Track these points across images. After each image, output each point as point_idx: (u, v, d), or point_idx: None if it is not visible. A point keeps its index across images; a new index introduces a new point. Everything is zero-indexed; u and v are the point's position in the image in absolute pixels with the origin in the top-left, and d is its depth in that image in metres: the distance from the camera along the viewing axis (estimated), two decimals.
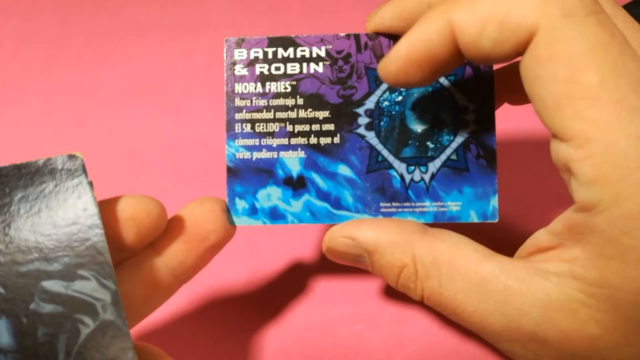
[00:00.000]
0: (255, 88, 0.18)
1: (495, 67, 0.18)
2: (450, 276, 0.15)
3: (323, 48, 0.18)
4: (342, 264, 0.17)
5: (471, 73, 0.17)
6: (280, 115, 0.18)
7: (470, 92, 0.17)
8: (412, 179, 0.17)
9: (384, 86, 0.18)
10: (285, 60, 0.18)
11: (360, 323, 0.21)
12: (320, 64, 0.18)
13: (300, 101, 0.18)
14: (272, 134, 0.18)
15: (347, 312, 0.21)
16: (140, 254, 0.16)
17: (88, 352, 0.14)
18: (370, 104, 0.18)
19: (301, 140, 0.18)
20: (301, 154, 0.18)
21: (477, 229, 0.17)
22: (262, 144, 0.18)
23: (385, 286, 0.22)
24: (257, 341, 0.21)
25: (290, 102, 0.18)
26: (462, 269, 0.15)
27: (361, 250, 0.16)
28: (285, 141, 0.18)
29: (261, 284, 0.22)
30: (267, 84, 0.18)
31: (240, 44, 0.18)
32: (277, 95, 0.18)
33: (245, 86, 0.18)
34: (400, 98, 0.18)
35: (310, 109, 0.18)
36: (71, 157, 0.14)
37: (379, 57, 0.17)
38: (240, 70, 0.18)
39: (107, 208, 0.15)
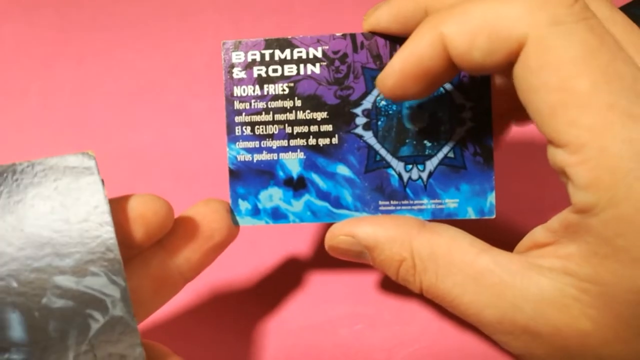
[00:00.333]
0: (253, 91, 0.18)
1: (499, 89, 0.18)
2: (447, 269, 0.15)
3: (319, 49, 0.18)
4: (344, 261, 0.18)
5: None
6: (279, 117, 0.18)
7: (467, 90, 0.17)
8: (410, 178, 0.18)
9: None
10: (283, 62, 0.18)
11: (360, 323, 0.21)
12: (317, 64, 0.18)
13: (298, 103, 0.18)
14: (271, 136, 0.18)
15: (347, 312, 0.21)
16: (148, 251, 0.16)
17: (97, 347, 0.14)
18: (367, 103, 0.18)
19: (300, 142, 0.18)
20: (300, 155, 0.18)
21: (475, 225, 0.18)
22: (262, 146, 0.18)
23: (385, 286, 0.22)
24: (257, 340, 0.21)
25: (288, 103, 0.18)
26: (459, 262, 0.15)
27: (361, 247, 0.17)
28: (284, 143, 0.18)
29: (262, 283, 0.22)
30: (265, 86, 0.18)
31: (237, 46, 0.18)
32: (276, 98, 0.18)
33: (244, 89, 0.18)
34: None
35: (308, 110, 0.18)
36: (85, 155, 0.15)
37: (375, 56, 0.18)
38: (238, 73, 0.18)
39: (117, 206, 0.15)
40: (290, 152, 0.18)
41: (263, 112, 0.18)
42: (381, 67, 0.18)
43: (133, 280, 0.16)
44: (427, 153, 0.18)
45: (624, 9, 0.14)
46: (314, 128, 0.18)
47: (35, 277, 0.14)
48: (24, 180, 0.14)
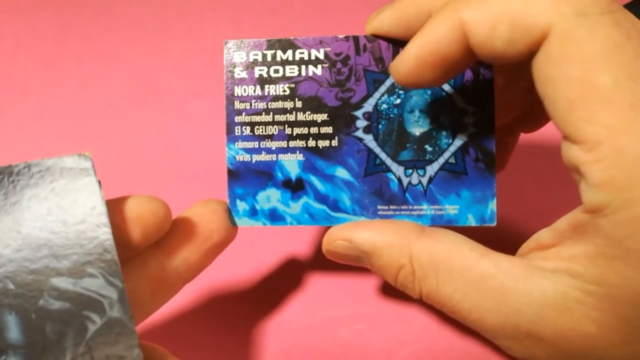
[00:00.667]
0: (254, 91, 0.18)
1: (507, 91, 0.18)
2: (448, 275, 0.15)
3: (322, 50, 0.18)
4: (343, 264, 0.18)
5: (471, 75, 0.17)
6: (279, 118, 0.18)
7: (470, 95, 0.17)
8: (409, 182, 0.17)
9: (382, 89, 0.18)
10: (284, 63, 0.18)
11: (360, 323, 0.21)
12: (319, 66, 0.18)
13: (298, 104, 0.18)
14: (271, 137, 0.18)
15: (347, 312, 0.21)
16: (146, 252, 0.16)
17: (95, 348, 0.14)
18: (368, 106, 0.18)
19: (300, 143, 0.18)
20: (300, 156, 0.18)
21: (475, 229, 0.17)
22: (262, 146, 0.18)
23: (384, 286, 0.22)
24: (257, 341, 0.21)
25: (288, 105, 0.18)
26: (459, 268, 0.15)
27: (359, 252, 0.17)
28: (284, 144, 0.18)
29: (261, 284, 0.22)
30: (266, 86, 0.18)
31: (239, 46, 0.18)
32: (276, 98, 0.18)
33: (245, 89, 0.18)
34: (398, 101, 0.18)
35: (309, 112, 0.18)
36: (81, 156, 0.14)
37: (378, 59, 0.17)
38: (239, 73, 0.18)
39: (114, 207, 0.15)
40: (289, 154, 0.18)
41: (263, 113, 0.18)
42: (383, 70, 0.17)
43: (131, 282, 0.16)
44: (427, 158, 0.17)
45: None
46: (314, 130, 0.18)
47: (32, 278, 0.14)
48: (21, 182, 0.14)
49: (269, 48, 0.18)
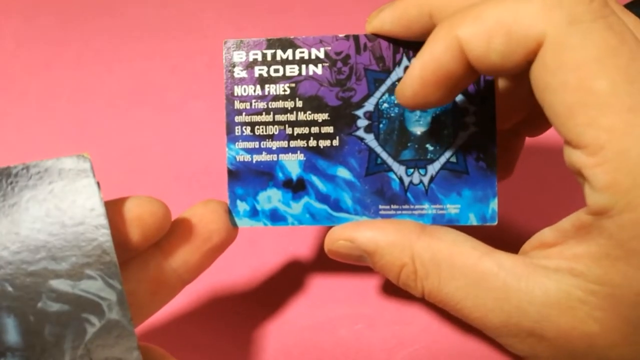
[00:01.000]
0: (254, 90, 0.18)
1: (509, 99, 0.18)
2: (449, 273, 0.15)
3: (322, 49, 0.17)
4: (344, 263, 0.18)
5: None
6: (280, 117, 0.18)
7: (471, 94, 0.17)
8: (411, 182, 0.17)
9: (383, 88, 0.17)
10: (284, 62, 0.18)
11: (360, 323, 0.21)
12: (319, 65, 0.17)
13: (299, 104, 0.18)
14: (271, 137, 0.18)
15: (347, 312, 0.21)
16: (145, 253, 0.16)
17: (94, 351, 0.14)
18: (369, 106, 0.17)
19: (300, 143, 0.18)
20: (300, 156, 0.18)
21: (477, 227, 0.17)
22: (262, 146, 0.18)
23: (384, 286, 0.22)
24: (257, 341, 0.21)
25: (289, 104, 0.18)
26: (461, 266, 0.15)
27: (361, 252, 0.17)
28: (284, 144, 0.18)
29: (261, 284, 0.22)
30: (266, 86, 0.18)
31: (239, 45, 0.18)
32: (276, 98, 0.18)
33: (245, 89, 0.18)
34: None
35: (310, 112, 0.18)
36: (80, 157, 0.14)
37: (378, 58, 0.17)
38: (239, 72, 0.18)
39: (113, 208, 0.15)
40: (290, 154, 0.18)
41: (263, 113, 0.18)
42: (384, 69, 0.17)
43: (130, 283, 0.15)
44: (429, 157, 0.17)
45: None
46: (314, 129, 0.18)
47: (30, 281, 0.14)
48: (19, 183, 0.14)
49: (268, 47, 0.18)
